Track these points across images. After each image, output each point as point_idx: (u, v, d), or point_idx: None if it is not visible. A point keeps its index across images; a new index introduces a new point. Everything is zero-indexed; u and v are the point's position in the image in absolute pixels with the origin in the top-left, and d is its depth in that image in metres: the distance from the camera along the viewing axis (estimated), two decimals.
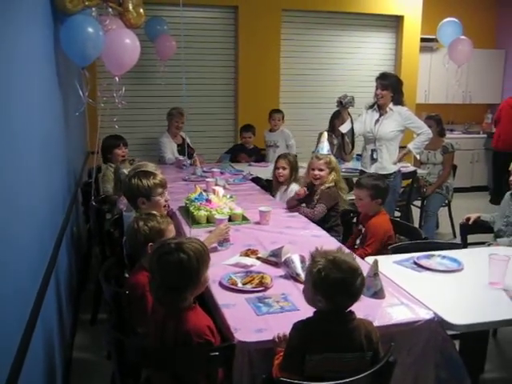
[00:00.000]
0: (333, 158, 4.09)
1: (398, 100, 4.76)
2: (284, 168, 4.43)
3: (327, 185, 3.96)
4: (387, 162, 4.79)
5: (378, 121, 4.79)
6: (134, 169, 3.49)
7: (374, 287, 2.43)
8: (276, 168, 4.48)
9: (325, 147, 4.11)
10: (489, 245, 3.70)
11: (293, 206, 4.08)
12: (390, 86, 4.72)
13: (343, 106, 4.78)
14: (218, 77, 7.16)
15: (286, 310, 2.30)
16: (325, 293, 1.90)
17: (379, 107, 4.81)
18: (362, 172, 4.88)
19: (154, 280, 2.02)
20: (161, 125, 6.30)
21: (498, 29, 9.18)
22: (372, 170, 4.78)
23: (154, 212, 2.65)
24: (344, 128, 4.88)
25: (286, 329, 1.98)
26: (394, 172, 4.84)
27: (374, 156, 4.81)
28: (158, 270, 1.99)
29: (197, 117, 6.87)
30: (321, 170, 3.97)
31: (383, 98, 4.73)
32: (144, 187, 3.05)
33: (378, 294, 2.43)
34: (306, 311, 2.00)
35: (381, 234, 3.47)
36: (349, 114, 4.84)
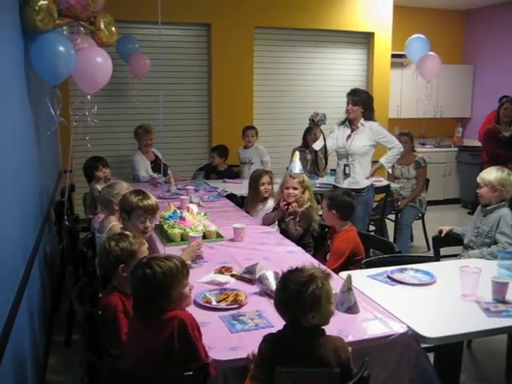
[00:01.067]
0: (306, 177, 4.12)
1: (369, 116, 4.83)
2: (269, 183, 4.49)
3: (306, 206, 3.97)
4: (360, 177, 4.84)
5: (349, 136, 4.84)
6: (108, 186, 3.55)
7: (347, 302, 2.44)
8: (262, 184, 4.49)
9: (297, 166, 4.11)
10: (460, 257, 3.74)
11: (269, 222, 4.09)
12: (361, 102, 4.79)
13: (315, 124, 4.80)
14: (191, 94, 7.19)
15: (260, 326, 2.28)
16: None
17: (350, 122, 4.86)
18: (335, 187, 4.91)
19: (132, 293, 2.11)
20: (135, 143, 6.25)
21: (465, 44, 9.39)
22: (345, 185, 4.82)
23: (127, 232, 2.63)
24: (317, 145, 4.90)
25: None
26: (367, 186, 4.89)
27: (347, 171, 4.85)
28: (131, 282, 2.09)
29: (170, 134, 6.82)
30: (295, 188, 3.98)
31: (354, 113, 4.79)
32: (129, 203, 3.09)
33: (352, 309, 2.44)
34: (281, 328, 2.00)
35: (345, 252, 3.48)
36: (321, 131, 4.87)
